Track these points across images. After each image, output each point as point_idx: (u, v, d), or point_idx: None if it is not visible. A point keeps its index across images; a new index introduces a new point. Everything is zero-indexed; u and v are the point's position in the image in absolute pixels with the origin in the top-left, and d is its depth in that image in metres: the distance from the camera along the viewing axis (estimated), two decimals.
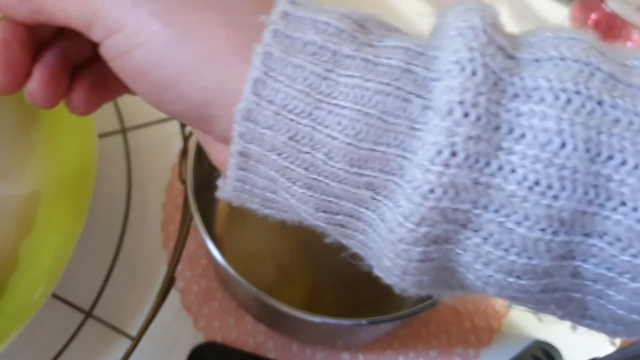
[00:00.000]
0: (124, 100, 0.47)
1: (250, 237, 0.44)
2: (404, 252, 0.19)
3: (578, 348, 0.41)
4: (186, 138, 0.43)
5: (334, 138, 0.19)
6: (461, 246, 0.19)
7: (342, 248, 0.23)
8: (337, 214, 0.21)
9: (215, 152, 0.23)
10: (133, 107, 0.47)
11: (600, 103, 0.17)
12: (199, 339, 0.41)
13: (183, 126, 0.44)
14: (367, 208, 0.20)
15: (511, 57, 0.18)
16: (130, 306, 0.41)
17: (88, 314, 0.40)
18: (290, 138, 0.19)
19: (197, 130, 0.23)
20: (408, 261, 0.19)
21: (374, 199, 0.19)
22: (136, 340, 0.36)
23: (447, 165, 0.17)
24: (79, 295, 0.40)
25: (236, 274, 0.35)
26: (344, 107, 0.18)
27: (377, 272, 0.22)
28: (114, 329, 0.40)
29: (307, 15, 0.20)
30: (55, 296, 0.40)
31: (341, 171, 0.19)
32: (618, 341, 0.40)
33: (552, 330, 0.42)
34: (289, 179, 0.20)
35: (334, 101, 0.19)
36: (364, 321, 0.35)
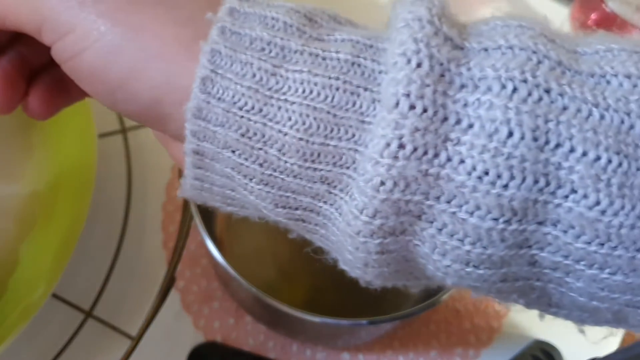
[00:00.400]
0: None
1: (250, 237, 0.44)
2: (362, 244, 0.19)
3: (578, 348, 0.41)
4: None
5: (285, 134, 0.19)
6: (418, 237, 0.19)
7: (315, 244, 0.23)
8: (296, 209, 0.21)
9: (175, 151, 0.23)
10: None
11: (547, 91, 0.17)
12: (199, 339, 0.41)
13: None
14: (324, 202, 0.20)
15: (459, 48, 0.18)
16: (130, 306, 0.41)
17: (88, 314, 0.40)
18: (243, 135, 0.19)
19: (154, 130, 0.23)
20: (367, 253, 0.20)
21: (330, 192, 0.20)
22: (136, 340, 0.36)
23: (395, 157, 0.17)
24: (79, 295, 0.40)
25: (236, 274, 0.35)
26: (294, 103, 0.19)
27: (342, 265, 0.22)
28: (114, 329, 0.40)
29: (254, 11, 0.20)
30: (55, 296, 0.40)
31: (295, 166, 0.19)
32: (618, 342, 0.40)
33: (552, 330, 0.42)
34: (245, 175, 0.20)
35: (284, 97, 0.19)
36: (364, 321, 0.35)
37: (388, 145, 0.17)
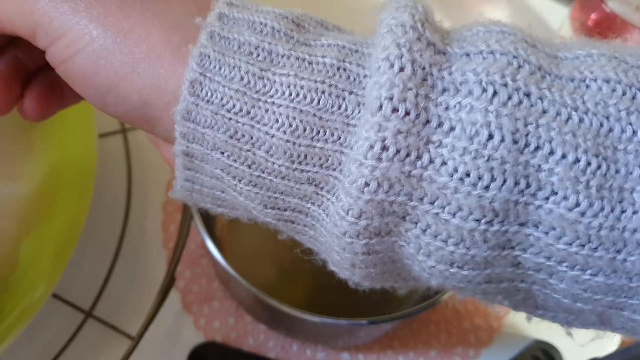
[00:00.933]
0: None
1: (250, 237, 0.44)
2: (348, 245, 0.20)
3: (578, 348, 0.41)
4: None
5: (273, 135, 0.19)
6: (403, 238, 0.19)
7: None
8: (284, 210, 0.21)
9: (166, 152, 0.24)
10: None
11: (527, 95, 0.18)
12: (199, 338, 0.41)
13: None
14: (312, 203, 0.20)
15: (442, 52, 0.19)
16: (130, 306, 0.41)
17: (88, 314, 0.40)
18: (231, 137, 0.20)
19: (146, 132, 0.24)
20: (354, 254, 0.20)
21: (317, 193, 0.20)
22: (136, 340, 0.36)
23: (379, 159, 0.18)
24: (79, 295, 0.40)
25: (236, 274, 0.35)
26: (280, 105, 0.19)
27: (331, 266, 0.22)
28: (114, 329, 0.40)
29: (243, 17, 0.20)
30: (55, 296, 0.40)
31: (282, 167, 0.19)
32: (618, 340, 0.40)
33: (552, 330, 0.42)
34: (234, 177, 0.20)
35: (271, 99, 0.19)
36: (363, 321, 0.35)
37: (372, 147, 0.18)
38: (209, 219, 0.42)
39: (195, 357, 0.40)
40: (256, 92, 0.19)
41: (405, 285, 0.23)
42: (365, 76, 0.19)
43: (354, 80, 0.19)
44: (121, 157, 0.45)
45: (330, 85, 0.19)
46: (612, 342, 0.41)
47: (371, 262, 0.20)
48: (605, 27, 0.52)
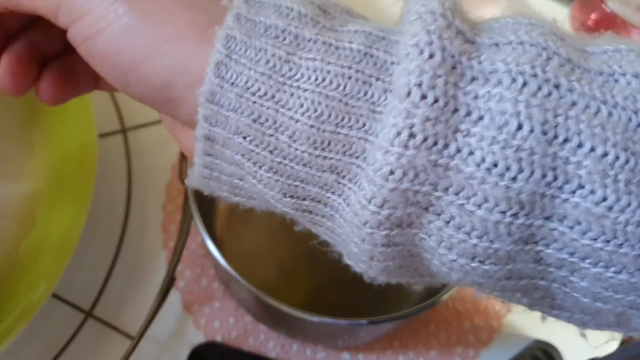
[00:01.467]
0: (124, 100, 0.47)
1: (250, 237, 0.44)
2: (368, 235, 0.19)
3: (578, 348, 0.41)
4: None
5: (297, 120, 0.19)
6: (425, 230, 0.19)
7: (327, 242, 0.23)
8: (304, 199, 0.21)
9: (184, 139, 0.24)
10: (133, 107, 0.47)
11: (557, 86, 0.18)
12: (199, 339, 0.41)
13: None
14: (332, 192, 0.20)
15: (471, 42, 0.19)
16: (130, 306, 0.41)
17: (88, 314, 0.40)
18: (254, 120, 0.19)
19: (165, 117, 0.24)
20: (373, 245, 0.20)
21: (339, 182, 0.20)
22: (136, 340, 0.36)
23: (405, 146, 0.17)
24: (79, 295, 0.40)
25: (236, 274, 0.35)
26: (306, 90, 0.19)
27: (347, 259, 0.22)
28: (114, 329, 0.40)
29: (269, 0, 0.20)
30: (55, 296, 0.40)
31: (305, 154, 0.19)
32: (618, 340, 0.40)
33: (552, 330, 0.42)
34: (254, 162, 0.20)
35: (296, 84, 0.19)
36: (363, 321, 0.35)
37: (399, 134, 0.17)
38: (209, 219, 0.42)
39: (196, 357, 0.40)
40: (282, 75, 0.19)
41: (421, 281, 0.23)
42: (392, 63, 0.19)
43: (381, 67, 0.19)
44: (121, 157, 0.45)
45: (357, 71, 0.19)
46: (612, 342, 0.41)
47: (390, 255, 0.20)
48: (605, 27, 0.52)
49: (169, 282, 0.38)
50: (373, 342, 0.42)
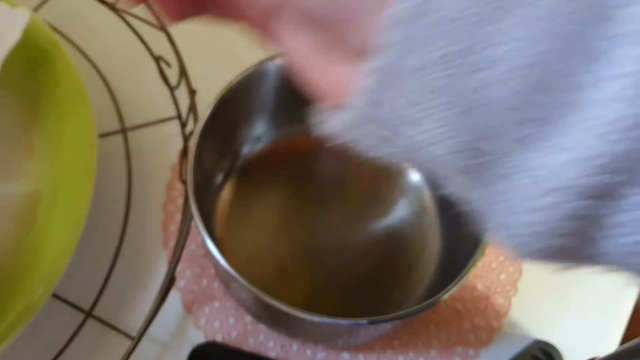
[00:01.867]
0: (124, 100, 0.47)
1: (250, 237, 0.44)
2: (561, 203, 0.16)
3: (578, 348, 0.41)
4: (186, 138, 0.43)
5: (513, 55, 0.16)
6: (622, 203, 0.16)
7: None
8: (482, 155, 0.17)
9: (330, 75, 0.20)
10: (133, 107, 0.47)
11: None
12: (199, 339, 0.41)
13: (183, 126, 0.44)
14: (525, 147, 0.17)
15: None
16: (130, 306, 0.41)
17: (88, 314, 0.40)
18: (453, 54, 0.16)
19: (304, 52, 0.20)
20: (561, 214, 0.17)
21: (539, 137, 0.16)
22: (136, 340, 0.36)
23: None
24: (79, 295, 0.40)
25: (236, 274, 0.35)
26: (532, 19, 0.16)
27: (496, 231, 0.19)
28: (114, 329, 0.40)
29: None
30: (55, 296, 0.40)
31: (508, 97, 0.16)
32: (618, 341, 0.40)
33: (552, 330, 0.42)
34: (436, 105, 0.17)
35: (514, 11, 0.16)
36: (363, 321, 0.35)
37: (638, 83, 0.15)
38: (209, 219, 0.42)
39: (196, 357, 0.40)
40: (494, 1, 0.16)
41: (569, 264, 0.19)
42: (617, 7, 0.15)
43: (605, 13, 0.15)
44: (121, 157, 0.45)
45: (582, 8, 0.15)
46: (612, 342, 0.41)
47: (570, 230, 0.17)
48: None
49: (169, 282, 0.38)
50: (373, 342, 0.42)
